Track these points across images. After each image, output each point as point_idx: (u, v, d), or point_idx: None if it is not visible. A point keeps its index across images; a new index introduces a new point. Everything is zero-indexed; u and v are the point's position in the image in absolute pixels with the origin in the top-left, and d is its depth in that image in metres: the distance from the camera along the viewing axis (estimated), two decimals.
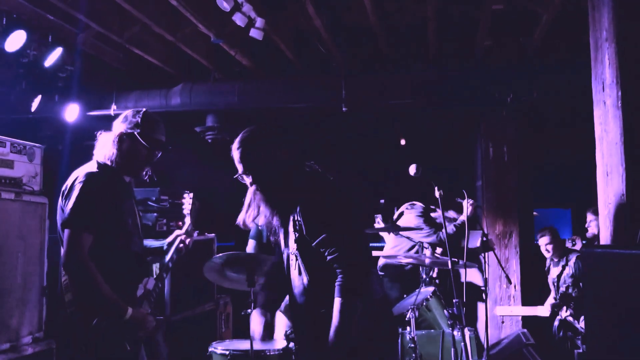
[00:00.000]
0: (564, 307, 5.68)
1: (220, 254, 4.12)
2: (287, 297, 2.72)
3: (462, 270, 6.31)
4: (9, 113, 6.14)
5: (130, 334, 2.77)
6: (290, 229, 2.54)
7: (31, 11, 5.20)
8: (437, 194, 3.86)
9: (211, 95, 6.70)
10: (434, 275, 5.35)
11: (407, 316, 4.16)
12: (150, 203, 5.30)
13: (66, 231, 2.72)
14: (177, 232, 3.37)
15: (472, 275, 6.47)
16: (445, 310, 4.20)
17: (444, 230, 5.16)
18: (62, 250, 2.76)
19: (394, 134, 8.64)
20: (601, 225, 3.32)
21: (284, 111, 7.18)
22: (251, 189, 2.61)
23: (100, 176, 2.85)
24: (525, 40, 6.13)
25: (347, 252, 2.40)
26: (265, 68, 6.75)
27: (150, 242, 3.35)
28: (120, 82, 6.93)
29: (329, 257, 2.41)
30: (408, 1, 5.59)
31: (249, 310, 3.94)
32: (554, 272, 6.06)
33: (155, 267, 3.17)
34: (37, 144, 4.67)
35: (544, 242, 6.05)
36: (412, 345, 4.02)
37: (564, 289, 5.88)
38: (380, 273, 5.72)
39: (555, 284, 6.01)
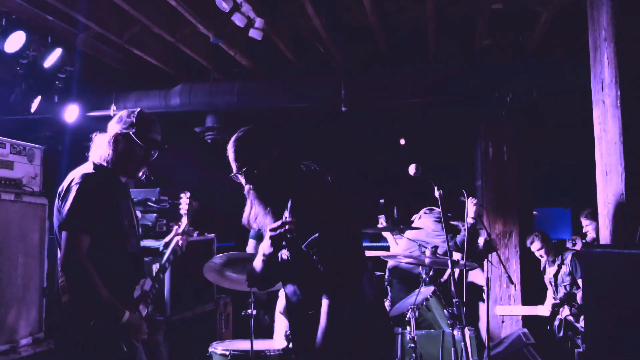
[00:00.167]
0: (564, 307, 5.67)
1: (220, 255, 4.13)
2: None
3: (470, 272, 6.34)
4: (8, 114, 6.14)
5: (127, 335, 2.77)
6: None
7: (31, 12, 5.20)
8: (436, 194, 3.85)
9: (211, 96, 6.70)
10: (445, 277, 5.37)
11: (407, 316, 4.16)
12: (150, 204, 5.30)
13: (63, 233, 2.71)
14: (174, 232, 3.35)
15: (473, 275, 6.47)
16: (445, 310, 4.20)
17: (462, 233, 5.18)
18: (60, 252, 2.75)
19: (393, 133, 8.64)
20: (600, 224, 3.32)
21: (283, 111, 7.19)
22: (246, 188, 2.60)
23: (97, 177, 2.84)
24: (524, 39, 6.13)
25: (335, 254, 2.36)
26: (264, 68, 6.75)
27: (147, 243, 3.35)
28: (120, 83, 6.94)
29: (316, 259, 2.38)
30: (407, 1, 5.59)
31: (249, 311, 3.95)
32: (550, 271, 6.06)
33: (155, 268, 3.16)
34: (36, 145, 4.68)
35: (535, 248, 6.05)
36: (412, 345, 4.02)
37: (563, 288, 5.88)
38: (388, 275, 5.74)
39: (553, 283, 6.01)
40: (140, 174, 3.05)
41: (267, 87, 6.66)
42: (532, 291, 6.54)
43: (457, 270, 5.45)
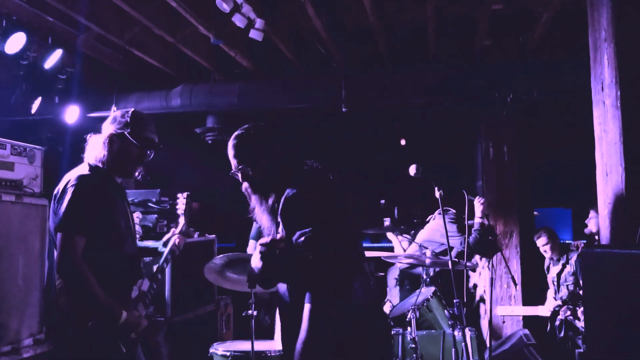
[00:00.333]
0: (565, 307, 5.67)
1: (221, 255, 4.13)
2: None
3: (472, 275, 6.34)
4: (9, 115, 6.15)
5: (125, 336, 2.77)
6: (280, 228, 2.52)
7: (31, 13, 5.21)
8: (437, 194, 3.86)
9: (211, 96, 6.71)
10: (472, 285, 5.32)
11: (408, 317, 4.16)
12: (150, 204, 5.30)
13: (59, 235, 2.70)
14: (171, 232, 3.35)
15: (474, 277, 6.47)
16: (445, 311, 4.20)
17: (474, 234, 5.17)
18: (56, 254, 2.74)
19: (394, 134, 8.64)
20: (601, 224, 3.32)
21: (284, 112, 7.20)
22: (244, 186, 2.61)
23: (92, 178, 2.83)
24: (525, 39, 6.13)
25: (320, 256, 2.30)
26: (265, 69, 6.75)
27: (146, 243, 3.35)
28: (121, 84, 6.94)
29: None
30: (408, 1, 5.59)
31: (250, 312, 3.95)
32: (554, 270, 6.06)
33: (154, 268, 3.15)
34: (37, 146, 4.68)
35: (541, 243, 6.05)
36: (413, 345, 4.02)
37: (565, 288, 5.88)
38: (395, 278, 5.74)
39: (555, 282, 6.01)
40: (137, 173, 3.04)
41: (268, 87, 6.67)
42: (533, 291, 6.54)
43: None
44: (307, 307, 2.28)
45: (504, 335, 6.42)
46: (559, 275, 5.98)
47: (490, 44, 6.25)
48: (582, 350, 5.13)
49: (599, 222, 5.56)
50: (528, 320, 6.44)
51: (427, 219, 5.78)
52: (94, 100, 6.77)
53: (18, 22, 5.15)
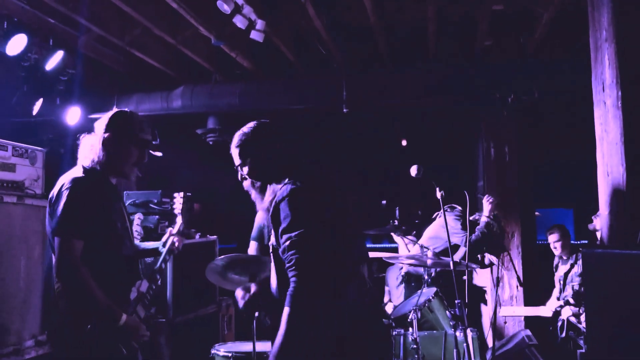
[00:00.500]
0: (567, 308, 5.67)
1: (222, 256, 4.13)
2: None
3: (474, 274, 6.34)
4: (10, 116, 6.15)
5: (125, 337, 2.77)
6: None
7: (32, 15, 5.22)
8: (438, 194, 3.86)
9: (212, 97, 6.71)
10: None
11: (410, 317, 4.16)
12: (152, 205, 5.31)
13: (56, 239, 2.69)
14: (168, 232, 3.34)
15: (475, 278, 6.47)
16: (447, 311, 4.20)
17: (477, 233, 5.17)
18: (54, 258, 2.73)
19: (394, 134, 8.64)
20: (602, 225, 3.32)
21: (285, 112, 7.20)
22: (247, 183, 2.62)
23: (87, 181, 2.82)
24: (525, 39, 6.13)
25: (302, 260, 2.28)
26: (266, 69, 6.76)
27: (146, 244, 3.34)
28: (122, 85, 6.95)
29: (286, 264, 2.33)
30: (408, 1, 5.59)
31: (255, 313, 3.94)
32: (562, 269, 6.05)
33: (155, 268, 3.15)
34: (38, 148, 4.69)
35: (552, 240, 6.04)
36: (415, 346, 4.02)
37: (570, 288, 5.88)
38: (399, 277, 5.74)
39: (562, 281, 6.01)
40: (132, 174, 3.04)
41: (269, 88, 6.67)
42: (534, 292, 6.53)
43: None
44: (285, 310, 2.27)
45: (505, 336, 6.41)
46: (566, 274, 5.98)
47: (490, 44, 6.25)
48: (583, 350, 5.13)
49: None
50: (530, 321, 6.43)
51: (433, 216, 5.78)
52: (95, 102, 6.77)
53: (19, 24, 5.16)
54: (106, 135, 2.92)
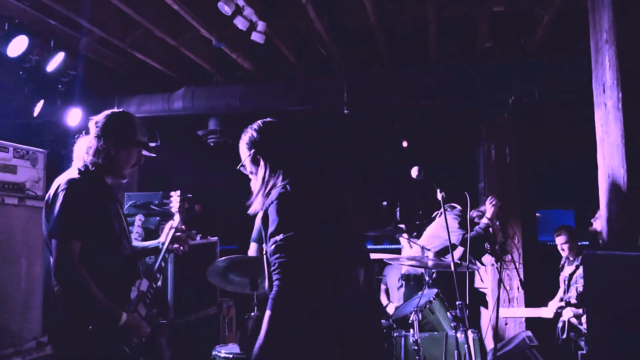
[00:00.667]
0: (568, 309, 5.67)
1: (223, 258, 4.13)
2: None
3: (475, 277, 6.34)
4: (11, 118, 6.16)
5: (127, 338, 2.77)
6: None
7: (33, 16, 5.23)
8: (439, 196, 3.87)
9: (213, 99, 6.72)
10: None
11: (411, 318, 4.16)
12: (152, 207, 5.31)
13: (54, 241, 2.68)
14: (166, 231, 3.31)
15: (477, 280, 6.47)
16: (448, 313, 4.20)
17: (474, 231, 5.17)
18: (52, 261, 2.72)
19: (395, 135, 8.65)
20: (603, 226, 3.32)
21: (285, 114, 7.20)
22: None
23: (82, 182, 2.81)
24: (526, 40, 6.13)
25: (286, 264, 2.30)
26: (266, 71, 6.76)
27: (145, 243, 3.32)
28: (123, 87, 6.96)
29: (272, 267, 2.34)
30: (408, 3, 5.59)
31: (252, 314, 3.95)
32: (567, 270, 6.04)
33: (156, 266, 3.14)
34: (39, 149, 4.69)
35: (560, 242, 6.03)
36: (416, 347, 4.02)
37: (574, 289, 5.87)
38: (401, 281, 5.74)
39: (566, 282, 6.00)
40: (128, 175, 3.04)
41: (270, 90, 6.68)
42: (535, 293, 6.53)
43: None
44: (267, 313, 2.28)
45: (506, 337, 6.41)
46: (570, 275, 5.97)
47: (491, 45, 6.25)
48: (584, 352, 5.12)
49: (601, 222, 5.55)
50: (530, 322, 6.43)
51: (433, 215, 5.78)
52: (96, 103, 6.77)
53: (20, 26, 5.17)
54: (103, 136, 2.92)
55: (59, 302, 2.73)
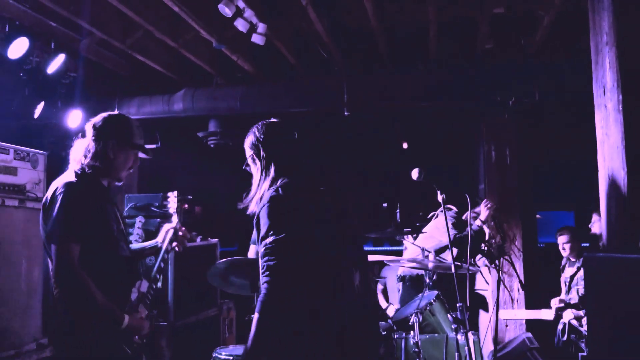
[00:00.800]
0: (568, 311, 5.67)
1: (224, 260, 4.13)
2: None
3: (477, 279, 6.33)
4: (12, 120, 6.16)
5: (129, 339, 2.77)
6: None
7: (34, 18, 5.23)
8: (439, 197, 3.87)
9: (213, 101, 6.71)
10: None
11: (411, 320, 4.16)
12: (153, 209, 5.31)
13: (53, 246, 2.67)
14: (164, 231, 3.31)
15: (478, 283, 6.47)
16: (449, 315, 4.20)
17: (465, 232, 5.18)
18: (51, 265, 2.72)
19: (395, 136, 8.65)
20: (603, 228, 3.32)
21: (286, 115, 7.20)
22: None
23: (80, 184, 2.80)
24: (526, 41, 6.13)
25: (274, 268, 2.32)
26: (267, 72, 6.76)
27: (144, 244, 3.32)
28: (123, 88, 6.96)
29: (260, 270, 2.36)
30: (409, 4, 5.59)
31: (253, 316, 3.94)
32: (568, 271, 6.04)
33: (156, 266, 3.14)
34: (40, 151, 4.70)
35: (562, 241, 6.03)
36: (416, 349, 4.02)
37: (575, 291, 5.87)
38: (399, 282, 5.75)
39: (567, 283, 6.00)
40: (123, 176, 3.05)
41: (270, 91, 6.67)
42: (536, 295, 6.53)
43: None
44: (255, 316, 2.31)
45: (507, 339, 6.40)
46: (572, 277, 5.97)
47: (491, 46, 6.25)
48: (585, 353, 5.12)
49: (601, 225, 5.54)
50: (531, 324, 6.43)
51: (429, 216, 5.78)
52: (96, 105, 6.77)
53: (21, 27, 5.17)
54: (101, 139, 2.92)
55: (58, 305, 2.73)
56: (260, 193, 2.56)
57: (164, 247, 3.22)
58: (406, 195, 7.09)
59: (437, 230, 5.55)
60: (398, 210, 6.24)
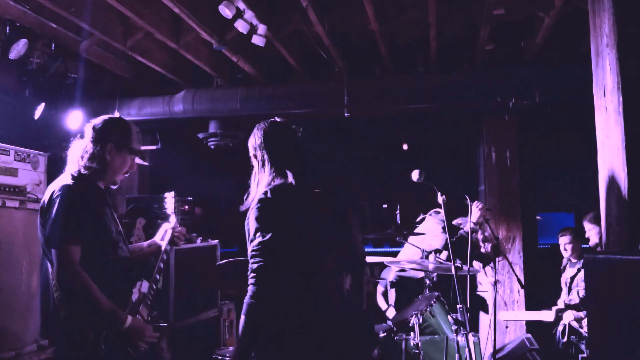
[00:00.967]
0: (568, 312, 5.66)
1: (224, 261, 4.13)
2: None
3: (479, 282, 6.33)
4: (12, 121, 6.17)
5: (131, 340, 2.77)
6: None
7: (34, 20, 5.23)
8: (440, 199, 3.86)
9: (214, 102, 6.72)
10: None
11: (411, 322, 4.16)
12: (153, 210, 5.31)
13: (53, 250, 2.67)
14: (162, 230, 3.30)
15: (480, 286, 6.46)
16: (449, 316, 4.20)
17: (457, 235, 5.17)
18: (51, 268, 2.72)
19: (395, 138, 8.65)
20: (603, 230, 3.32)
21: (286, 117, 7.19)
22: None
23: (77, 187, 2.80)
24: (526, 43, 6.13)
25: (258, 270, 2.34)
26: (267, 74, 6.77)
27: (142, 243, 3.32)
28: (123, 89, 6.97)
29: (248, 272, 2.38)
30: (409, 6, 5.60)
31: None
32: (569, 272, 6.04)
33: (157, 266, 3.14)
34: (41, 152, 4.70)
35: (563, 242, 6.03)
36: (416, 351, 4.02)
37: (575, 292, 5.87)
38: (391, 289, 5.74)
39: (568, 284, 6.00)
40: (120, 182, 3.05)
41: (270, 93, 6.68)
42: (536, 296, 6.53)
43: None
44: (241, 318, 2.33)
45: (507, 341, 6.40)
46: (572, 278, 5.97)
47: (492, 48, 6.26)
48: (585, 355, 5.12)
49: (599, 230, 5.57)
50: (531, 326, 6.42)
51: (418, 220, 5.76)
52: (97, 106, 6.78)
53: (21, 29, 5.18)
54: (99, 141, 2.92)
55: (59, 309, 2.73)
56: (258, 193, 2.56)
57: (162, 248, 3.22)
58: (406, 196, 7.09)
59: (427, 234, 5.51)
60: (398, 212, 6.24)
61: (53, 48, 5.67)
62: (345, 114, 6.36)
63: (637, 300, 2.31)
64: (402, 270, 5.41)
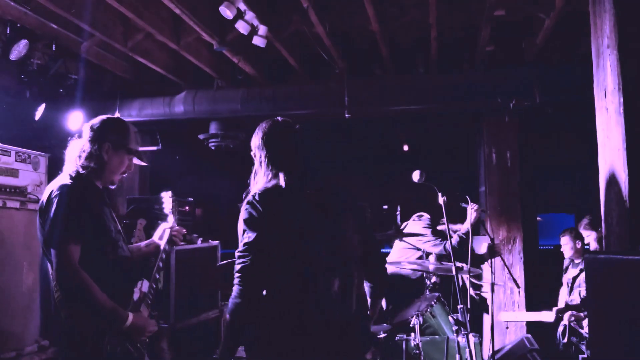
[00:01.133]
0: (569, 313, 5.66)
1: (225, 261, 4.13)
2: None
3: (481, 284, 6.32)
4: (13, 122, 6.18)
5: (132, 338, 2.78)
6: None
7: (35, 21, 5.24)
8: (440, 200, 3.86)
9: (214, 103, 6.72)
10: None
11: (412, 322, 4.16)
12: (153, 211, 5.31)
13: (53, 250, 2.67)
14: (159, 230, 3.30)
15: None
16: (449, 317, 4.20)
17: (449, 240, 5.17)
18: (51, 269, 2.72)
19: (396, 139, 8.65)
20: (604, 231, 3.32)
21: (287, 118, 7.19)
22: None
23: (75, 187, 2.80)
24: (527, 44, 6.14)
25: (242, 271, 2.40)
26: (268, 75, 6.77)
27: (141, 243, 3.33)
28: (124, 90, 6.97)
29: (234, 272, 2.44)
30: (410, 7, 5.60)
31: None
32: (571, 272, 6.04)
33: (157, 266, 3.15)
34: (41, 153, 4.71)
35: (564, 242, 6.04)
36: (417, 351, 4.02)
37: (577, 293, 5.87)
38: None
39: (570, 284, 6.00)
40: (117, 182, 3.05)
41: (271, 93, 6.68)
42: (537, 297, 6.53)
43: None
44: (227, 317, 2.40)
45: (507, 341, 6.40)
46: (574, 278, 5.97)
47: (492, 49, 6.26)
48: (585, 355, 5.12)
49: (597, 235, 5.58)
50: (531, 326, 6.42)
51: (402, 226, 5.72)
52: (97, 107, 6.78)
53: (22, 30, 5.18)
54: (97, 141, 2.92)
55: (60, 309, 2.73)
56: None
57: (161, 247, 3.22)
58: (407, 197, 7.10)
59: (412, 240, 5.50)
60: (398, 212, 6.24)
61: (54, 49, 5.67)
62: (346, 115, 6.36)
63: (637, 301, 2.31)
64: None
